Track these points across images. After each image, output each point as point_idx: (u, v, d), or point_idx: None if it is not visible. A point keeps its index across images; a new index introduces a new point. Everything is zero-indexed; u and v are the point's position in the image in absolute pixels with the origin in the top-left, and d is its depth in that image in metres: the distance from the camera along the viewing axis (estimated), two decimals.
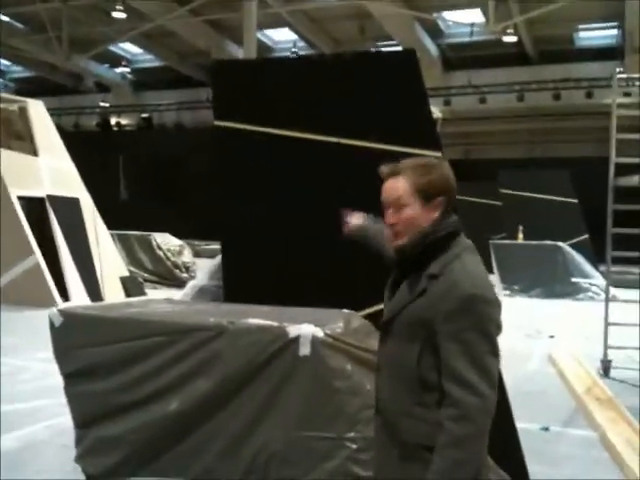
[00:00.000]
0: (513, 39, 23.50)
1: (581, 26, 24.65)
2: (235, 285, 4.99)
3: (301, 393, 3.07)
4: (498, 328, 2.01)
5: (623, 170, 7.95)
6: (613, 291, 8.42)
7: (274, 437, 3.11)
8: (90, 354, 3.49)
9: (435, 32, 25.31)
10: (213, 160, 5.25)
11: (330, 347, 3.07)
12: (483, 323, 1.97)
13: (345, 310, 3.54)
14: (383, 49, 23.57)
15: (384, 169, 2.17)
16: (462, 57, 26.15)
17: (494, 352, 1.97)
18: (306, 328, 3.09)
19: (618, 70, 22.44)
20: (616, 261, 8.17)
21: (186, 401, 3.26)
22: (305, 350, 3.04)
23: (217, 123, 5.03)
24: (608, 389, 6.78)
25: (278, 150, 4.87)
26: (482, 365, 1.94)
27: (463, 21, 23.99)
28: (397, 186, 2.11)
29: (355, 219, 2.85)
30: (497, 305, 2.03)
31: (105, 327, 3.49)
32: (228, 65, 5.26)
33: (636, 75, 10.06)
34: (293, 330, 3.09)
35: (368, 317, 3.71)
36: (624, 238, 7.82)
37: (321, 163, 4.79)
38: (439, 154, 4.53)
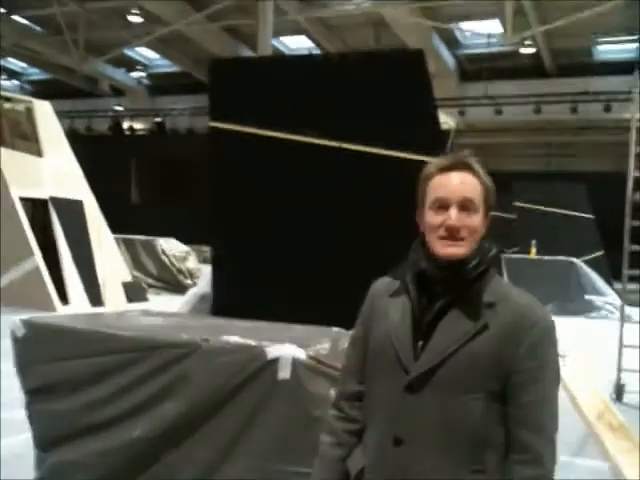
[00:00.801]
0: (531, 51, 23.22)
1: (601, 39, 24.27)
2: (224, 293, 4.73)
3: (279, 421, 2.75)
4: None
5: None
6: (628, 311, 8.06)
7: (249, 469, 2.79)
8: (53, 370, 3.19)
9: (452, 42, 25.03)
10: (208, 163, 4.99)
11: (312, 371, 2.75)
12: (557, 355, 1.71)
13: (335, 329, 3.24)
14: None
15: (448, 159, 1.75)
16: (479, 68, 25.82)
17: None
18: (287, 349, 2.77)
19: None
20: (632, 279, 7.82)
21: (154, 425, 2.95)
22: (284, 373, 2.73)
23: (212, 124, 4.77)
24: (621, 415, 6.42)
25: (275, 154, 4.60)
26: (556, 407, 1.68)
27: (480, 31, 23.70)
28: (472, 183, 1.72)
29: None
30: None
31: (69, 340, 3.18)
32: (226, 63, 5.00)
33: None
34: (272, 351, 2.77)
35: None
36: None
37: (320, 168, 4.51)
38: None
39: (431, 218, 1.72)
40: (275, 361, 2.77)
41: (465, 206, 1.69)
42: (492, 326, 1.65)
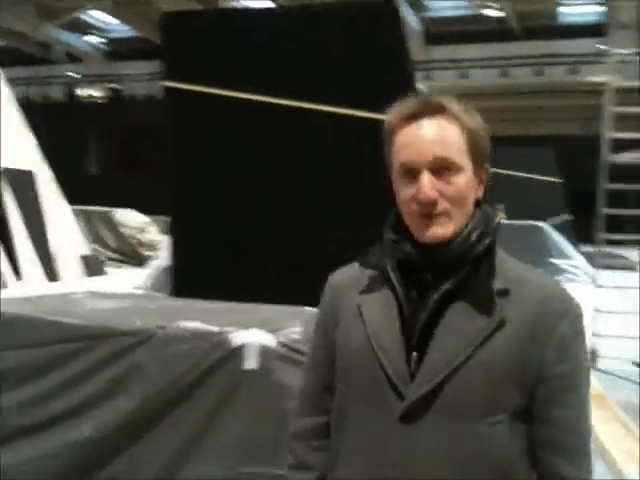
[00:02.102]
0: (496, 13, 22.95)
1: (565, 1, 24.15)
2: (184, 266, 4.37)
3: (245, 417, 2.43)
4: None
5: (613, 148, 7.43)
6: (596, 274, 7.96)
7: (212, 471, 2.47)
8: None
9: (416, 4, 24.59)
10: (163, 126, 4.59)
11: (283, 359, 2.42)
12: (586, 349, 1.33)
13: (307, 308, 2.92)
14: None
15: (413, 102, 1.30)
16: (444, 31, 25.51)
17: None
18: (253, 335, 2.44)
19: (603, 47, 22.04)
20: (607, 242, 7.68)
21: (104, 423, 2.60)
22: (251, 363, 2.40)
23: (166, 84, 4.36)
24: (597, 383, 6.28)
25: (236, 115, 4.22)
26: (590, 421, 1.30)
27: None
28: (448, 133, 1.27)
29: None
30: None
31: (4, 329, 2.80)
32: (179, 17, 4.56)
33: (626, 51, 9.56)
34: (237, 337, 2.43)
35: None
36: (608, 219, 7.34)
37: (286, 131, 4.15)
38: None
39: (400, 190, 1.30)
40: (240, 349, 2.42)
41: (440, 168, 1.26)
42: (510, 320, 1.24)
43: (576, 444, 1.27)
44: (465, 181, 1.28)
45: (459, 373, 1.22)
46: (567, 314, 1.27)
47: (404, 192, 1.29)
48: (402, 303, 1.28)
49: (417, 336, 1.26)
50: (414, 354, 1.25)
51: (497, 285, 1.27)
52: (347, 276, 1.44)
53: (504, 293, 1.26)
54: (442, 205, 1.26)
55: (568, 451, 1.26)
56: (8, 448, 2.82)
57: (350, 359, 1.33)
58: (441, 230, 1.26)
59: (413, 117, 1.29)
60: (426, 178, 1.25)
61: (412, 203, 1.27)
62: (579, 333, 1.29)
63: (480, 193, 1.33)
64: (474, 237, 1.28)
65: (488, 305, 1.25)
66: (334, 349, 1.39)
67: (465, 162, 1.28)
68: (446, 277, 1.26)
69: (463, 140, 1.28)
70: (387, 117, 1.33)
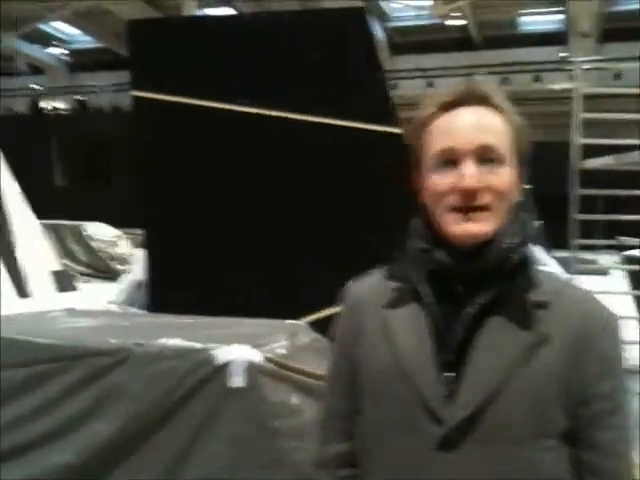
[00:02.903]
0: (458, 23, 23.22)
1: (525, 11, 24.57)
2: (161, 281, 4.26)
3: (231, 438, 2.32)
4: None
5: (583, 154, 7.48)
6: (570, 279, 7.98)
7: None
8: None
9: (381, 15, 24.76)
10: (133, 136, 4.48)
11: (271, 376, 2.32)
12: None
13: (289, 321, 2.83)
14: None
15: (453, 90, 1.19)
16: (408, 41, 25.70)
17: None
18: (239, 351, 2.33)
19: (563, 54, 22.42)
20: (581, 248, 7.70)
21: (80, 448, 2.46)
22: (237, 381, 2.29)
23: (135, 94, 4.25)
24: None
25: (208, 125, 4.13)
26: (629, 441, 1.21)
27: (409, 4, 23.53)
28: (492, 123, 1.16)
29: None
30: None
31: None
32: (147, 25, 4.46)
33: (588, 58, 9.75)
34: (222, 354, 2.33)
35: (315, 324, 3.01)
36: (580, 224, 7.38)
37: (257, 140, 4.07)
38: (396, 130, 3.88)
39: (434, 181, 1.16)
40: (225, 366, 2.32)
41: (485, 158, 1.14)
42: (551, 336, 1.13)
43: (618, 467, 1.18)
44: (508, 176, 1.16)
45: (502, 394, 1.11)
46: (607, 330, 1.18)
47: (440, 182, 1.16)
48: (434, 319, 1.17)
49: (453, 355, 1.14)
50: (450, 374, 1.14)
51: (537, 297, 1.17)
52: (369, 287, 1.31)
53: (543, 306, 1.16)
54: (484, 198, 1.13)
55: (611, 475, 1.17)
56: None
57: (377, 381, 1.21)
58: (479, 226, 1.14)
59: (452, 105, 1.18)
60: (470, 166, 1.13)
61: (450, 194, 1.14)
62: (619, 348, 1.21)
63: (518, 197, 1.21)
64: (513, 244, 1.17)
65: (528, 319, 1.14)
66: (354, 369, 1.27)
67: (508, 157, 1.17)
68: (480, 288, 1.14)
69: (508, 134, 1.18)
70: (421, 106, 1.22)
